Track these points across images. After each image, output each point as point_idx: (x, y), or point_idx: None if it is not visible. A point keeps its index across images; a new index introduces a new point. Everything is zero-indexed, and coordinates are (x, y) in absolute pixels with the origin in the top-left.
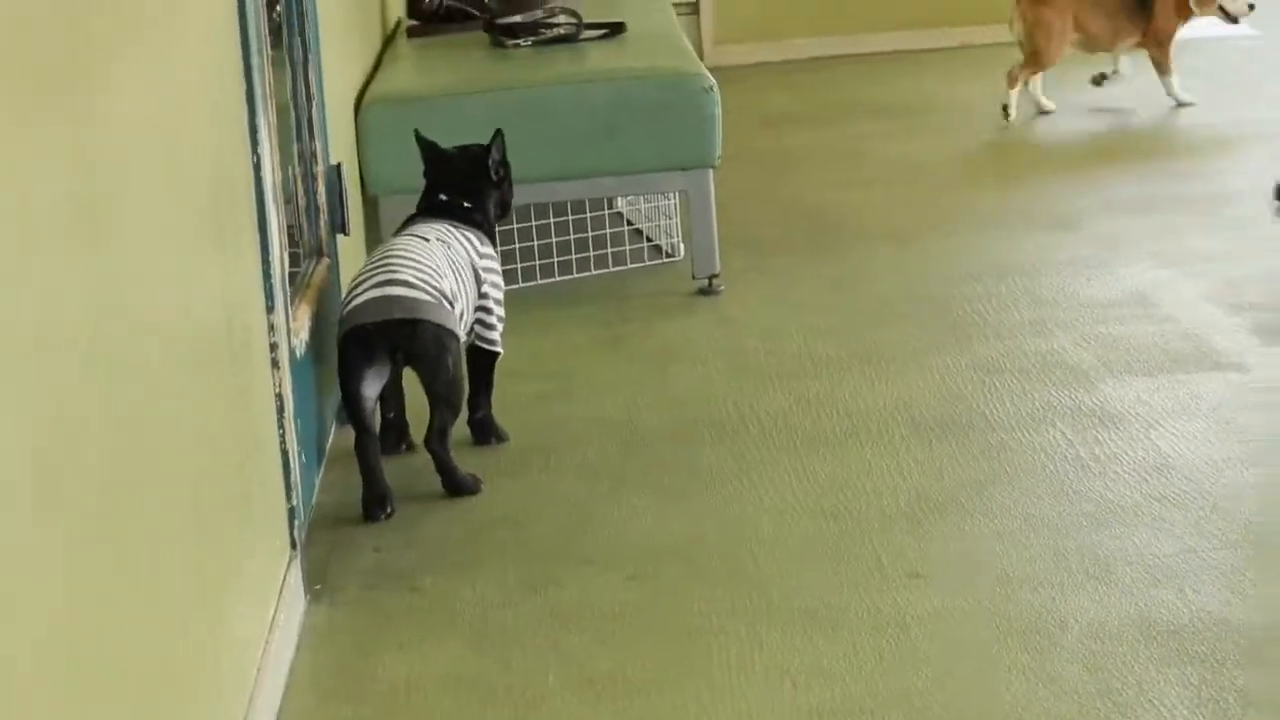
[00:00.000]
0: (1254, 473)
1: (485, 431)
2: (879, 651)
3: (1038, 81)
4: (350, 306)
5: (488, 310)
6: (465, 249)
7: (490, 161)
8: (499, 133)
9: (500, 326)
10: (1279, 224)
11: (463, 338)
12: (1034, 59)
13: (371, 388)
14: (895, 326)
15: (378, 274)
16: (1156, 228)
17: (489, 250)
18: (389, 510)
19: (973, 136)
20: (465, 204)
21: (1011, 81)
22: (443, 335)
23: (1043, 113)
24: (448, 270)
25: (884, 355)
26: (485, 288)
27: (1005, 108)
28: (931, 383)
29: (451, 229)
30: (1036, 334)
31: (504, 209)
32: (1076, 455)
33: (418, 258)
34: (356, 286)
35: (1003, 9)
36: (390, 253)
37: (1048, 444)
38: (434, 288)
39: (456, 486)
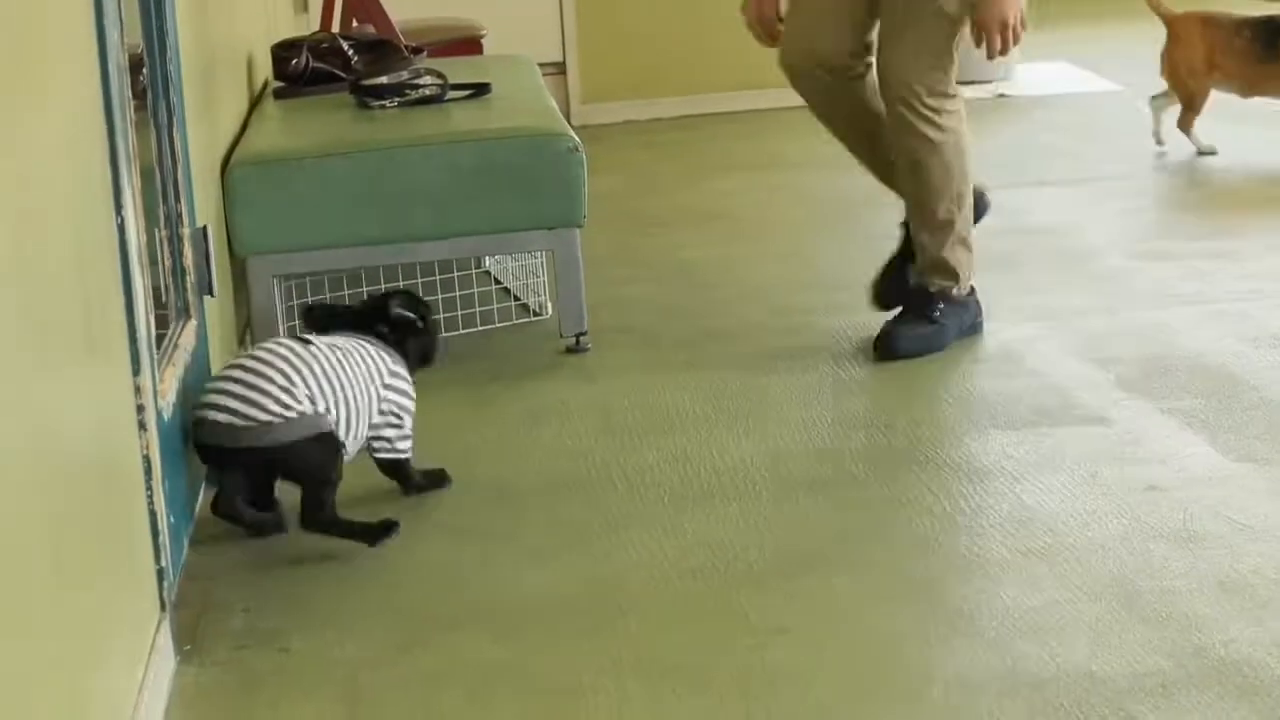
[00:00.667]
0: (1117, 525)
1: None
2: (746, 707)
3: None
4: (202, 413)
5: (397, 425)
6: (371, 365)
7: (392, 316)
8: (391, 295)
9: (409, 438)
10: (1141, 279)
11: (349, 448)
12: (1186, 103)
13: (234, 488)
14: (762, 383)
15: (238, 384)
16: (1022, 283)
17: (401, 370)
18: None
19: (840, 193)
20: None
21: (1185, 128)
22: (298, 451)
23: (1203, 154)
24: (328, 382)
25: (750, 411)
26: (390, 406)
27: (1199, 151)
28: (798, 438)
29: (365, 344)
30: (902, 390)
31: (425, 358)
32: (942, 509)
33: (288, 367)
34: (221, 383)
35: None
36: (260, 359)
37: (913, 498)
38: (289, 400)
39: (373, 534)
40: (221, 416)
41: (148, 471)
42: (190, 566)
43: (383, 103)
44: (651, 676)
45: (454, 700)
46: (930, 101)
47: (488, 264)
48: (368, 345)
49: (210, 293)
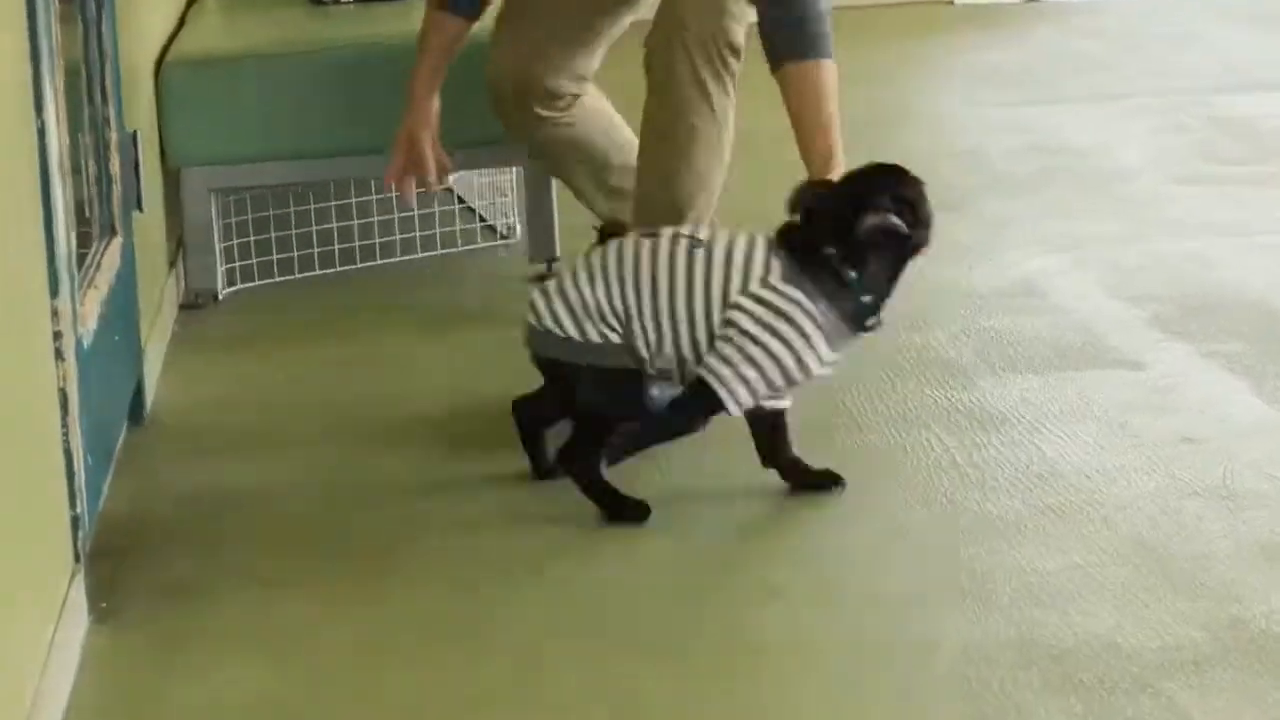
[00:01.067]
0: (1148, 481)
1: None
2: (732, 675)
3: None
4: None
5: (731, 343)
6: (721, 277)
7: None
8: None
9: (737, 378)
10: (1178, 206)
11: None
12: None
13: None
14: None
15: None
16: (1047, 208)
17: (786, 305)
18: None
19: (844, 106)
20: (821, 246)
21: None
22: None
23: None
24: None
25: None
26: (727, 330)
27: None
28: None
29: (747, 255)
30: (911, 326)
31: (888, 275)
32: (953, 460)
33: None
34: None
35: None
36: (587, 260)
37: (921, 447)
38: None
39: (614, 509)
40: (531, 315)
41: (64, 407)
42: (109, 513)
43: None
44: (626, 640)
45: (403, 663)
46: (728, 57)
47: (450, 180)
48: (753, 250)
49: (139, 207)
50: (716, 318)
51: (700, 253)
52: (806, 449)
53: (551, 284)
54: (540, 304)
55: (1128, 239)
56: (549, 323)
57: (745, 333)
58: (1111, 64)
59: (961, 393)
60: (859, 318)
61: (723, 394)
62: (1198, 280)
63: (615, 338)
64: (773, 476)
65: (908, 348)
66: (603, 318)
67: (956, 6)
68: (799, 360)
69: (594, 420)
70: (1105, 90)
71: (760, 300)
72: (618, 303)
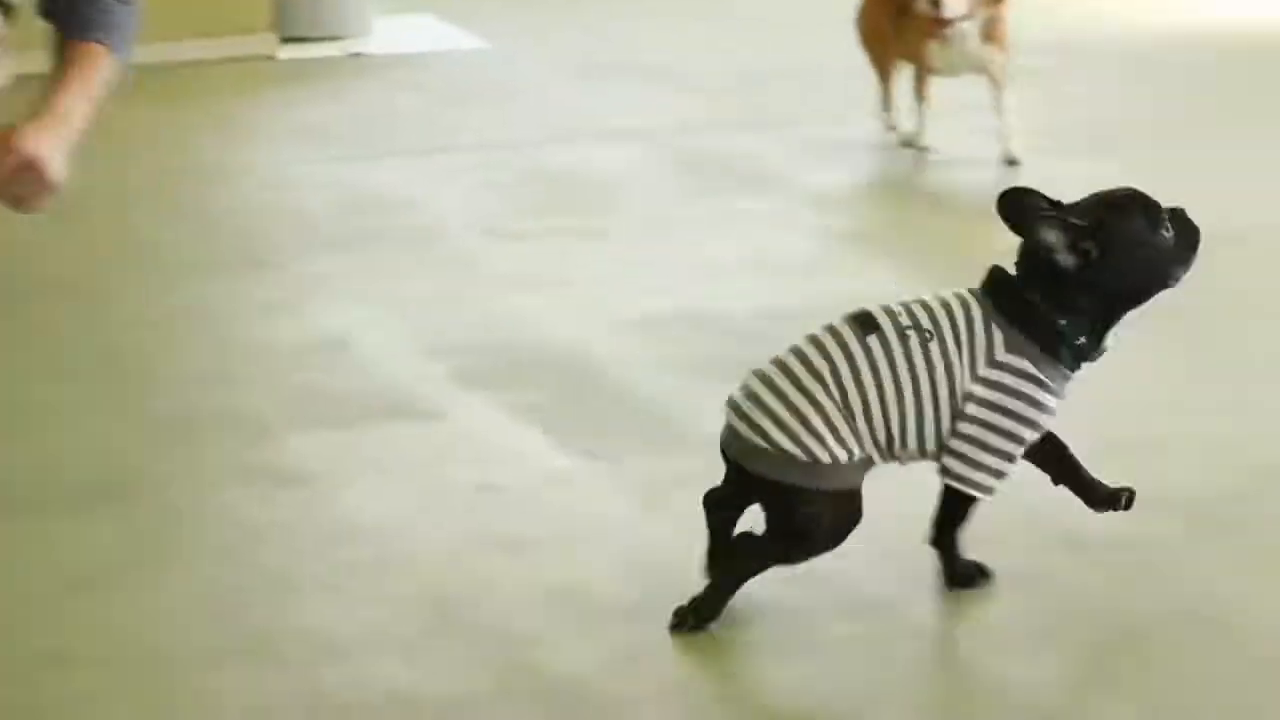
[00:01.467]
0: (444, 531)
1: (955, 570)
2: None
3: (892, 103)
4: (732, 412)
5: (972, 443)
6: (956, 361)
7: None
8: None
9: (987, 473)
10: (496, 261)
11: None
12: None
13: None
14: (54, 383)
15: (757, 388)
16: (363, 265)
17: (1016, 383)
18: None
19: (155, 164)
20: (1026, 295)
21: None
22: (790, 495)
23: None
24: (879, 409)
25: (35, 414)
26: (964, 426)
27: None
28: (91, 442)
29: (970, 319)
30: (217, 385)
31: (1101, 307)
32: (253, 521)
33: (836, 399)
34: (765, 381)
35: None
36: (800, 359)
37: (221, 508)
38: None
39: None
40: (744, 428)
41: None
42: None
43: None
44: None
45: None
46: None
47: None
48: (972, 321)
49: None
50: (959, 405)
51: (934, 345)
52: (103, 517)
53: (757, 383)
54: (754, 411)
55: (440, 295)
56: (781, 440)
57: (986, 424)
58: (433, 119)
59: (266, 451)
60: (1078, 359)
61: (980, 494)
62: (505, 333)
63: (847, 453)
64: (55, 547)
65: (212, 407)
66: (833, 431)
67: (280, 61)
68: (1033, 424)
69: (799, 546)
70: (426, 145)
71: (991, 384)
72: (851, 404)
